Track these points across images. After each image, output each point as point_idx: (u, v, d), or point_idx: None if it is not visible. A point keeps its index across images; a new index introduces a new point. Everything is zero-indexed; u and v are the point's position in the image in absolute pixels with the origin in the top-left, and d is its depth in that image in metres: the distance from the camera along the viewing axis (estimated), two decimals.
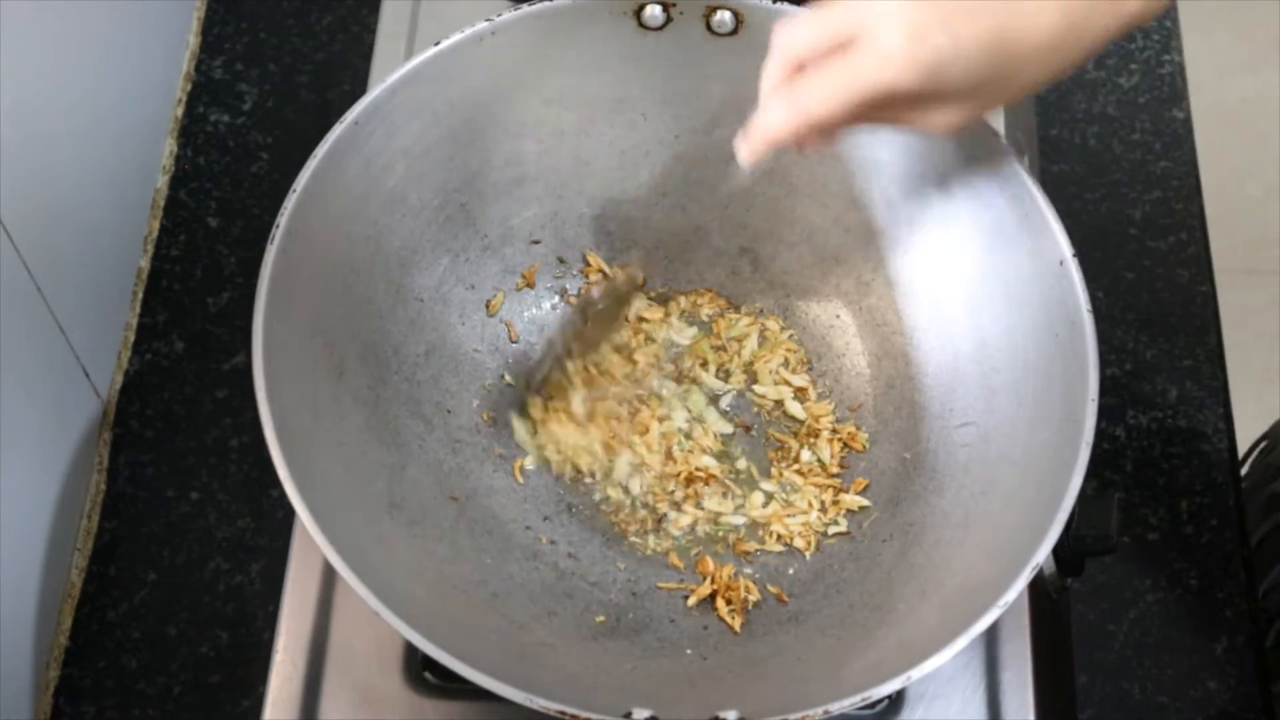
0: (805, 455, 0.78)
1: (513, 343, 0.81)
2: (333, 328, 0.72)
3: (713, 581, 0.74)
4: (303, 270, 0.69)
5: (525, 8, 0.73)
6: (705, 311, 0.82)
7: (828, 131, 0.62)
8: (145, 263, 0.92)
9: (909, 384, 0.78)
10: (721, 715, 0.60)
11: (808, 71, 0.61)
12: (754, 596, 0.73)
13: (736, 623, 0.72)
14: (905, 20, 0.58)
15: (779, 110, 0.62)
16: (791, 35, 0.62)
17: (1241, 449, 0.94)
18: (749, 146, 0.64)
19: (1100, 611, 0.83)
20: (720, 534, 0.76)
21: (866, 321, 0.80)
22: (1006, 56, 0.59)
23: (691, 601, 0.73)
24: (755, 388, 0.80)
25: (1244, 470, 1.02)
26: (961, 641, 0.61)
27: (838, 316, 0.81)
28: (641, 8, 0.74)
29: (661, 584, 0.74)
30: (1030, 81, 0.61)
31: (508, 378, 0.80)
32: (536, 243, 0.82)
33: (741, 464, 0.78)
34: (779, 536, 0.75)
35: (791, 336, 0.82)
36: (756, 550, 0.75)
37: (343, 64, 0.99)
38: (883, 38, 0.58)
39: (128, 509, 0.85)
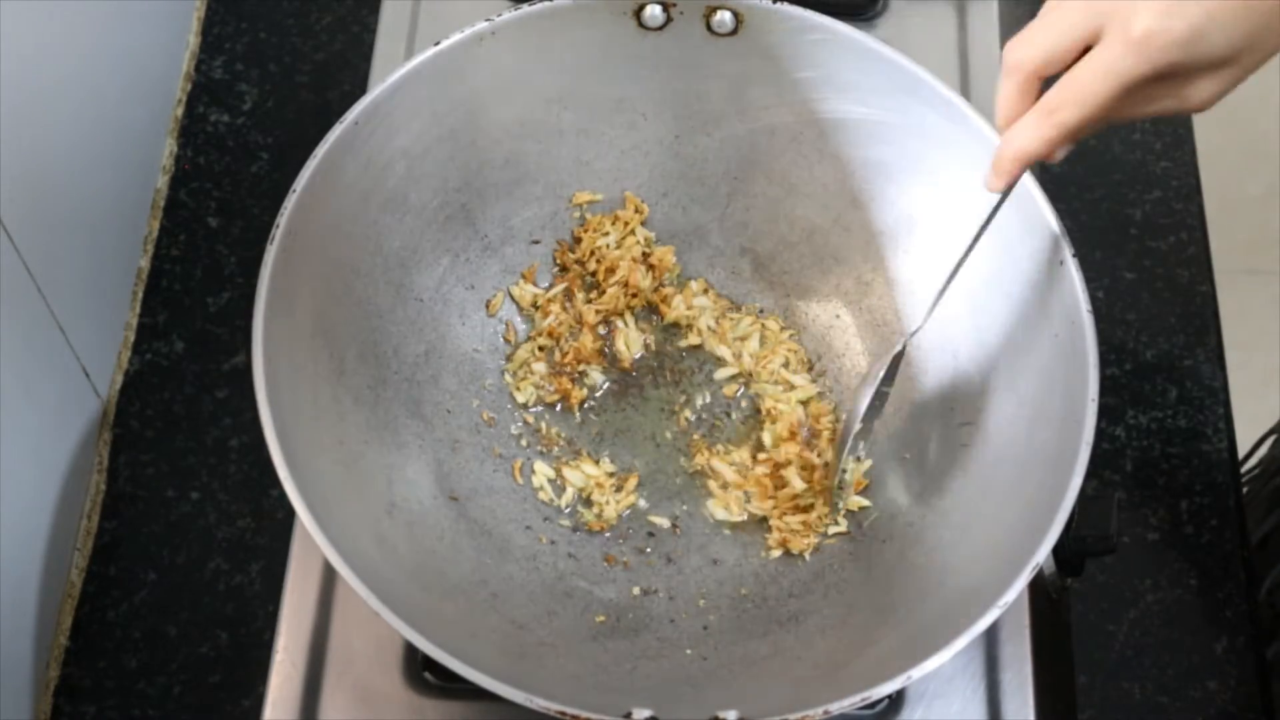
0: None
1: (508, 342, 0.81)
2: (333, 328, 0.72)
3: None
4: (303, 270, 0.69)
5: (525, 8, 0.73)
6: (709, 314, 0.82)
7: (1081, 135, 0.60)
8: (145, 263, 0.92)
9: (909, 384, 0.78)
10: (721, 715, 0.60)
11: (1056, 80, 0.59)
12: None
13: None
14: (1150, 3, 0.56)
15: (1030, 128, 0.60)
16: (1027, 47, 0.60)
17: (1242, 449, 0.94)
18: (999, 169, 0.62)
19: (1100, 611, 0.83)
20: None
21: (866, 321, 0.80)
22: (1260, 15, 0.56)
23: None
24: (754, 386, 0.80)
25: (1252, 462, 1.02)
26: (961, 641, 0.61)
27: (837, 316, 0.81)
28: (641, 8, 0.74)
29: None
30: (1277, 42, 0.58)
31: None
32: (536, 243, 0.82)
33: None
34: (780, 540, 0.75)
35: (792, 336, 0.81)
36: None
37: (343, 64, 0.99)
38: (1133, 22, 0.56)
39: (128, 509, 0.85)
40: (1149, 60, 0.57)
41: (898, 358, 0.73)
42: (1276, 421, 1.01)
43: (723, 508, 0.76)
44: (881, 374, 0.73)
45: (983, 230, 0.68)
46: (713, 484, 0.77)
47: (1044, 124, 0.60)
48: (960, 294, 0.76)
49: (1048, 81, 0.61)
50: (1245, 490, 1.01)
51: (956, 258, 0.75)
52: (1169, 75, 0.58)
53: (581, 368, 0.80)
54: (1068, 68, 0.59)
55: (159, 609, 0.82)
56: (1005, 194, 0.65)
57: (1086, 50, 0.59)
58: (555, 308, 0.81)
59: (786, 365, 0.80)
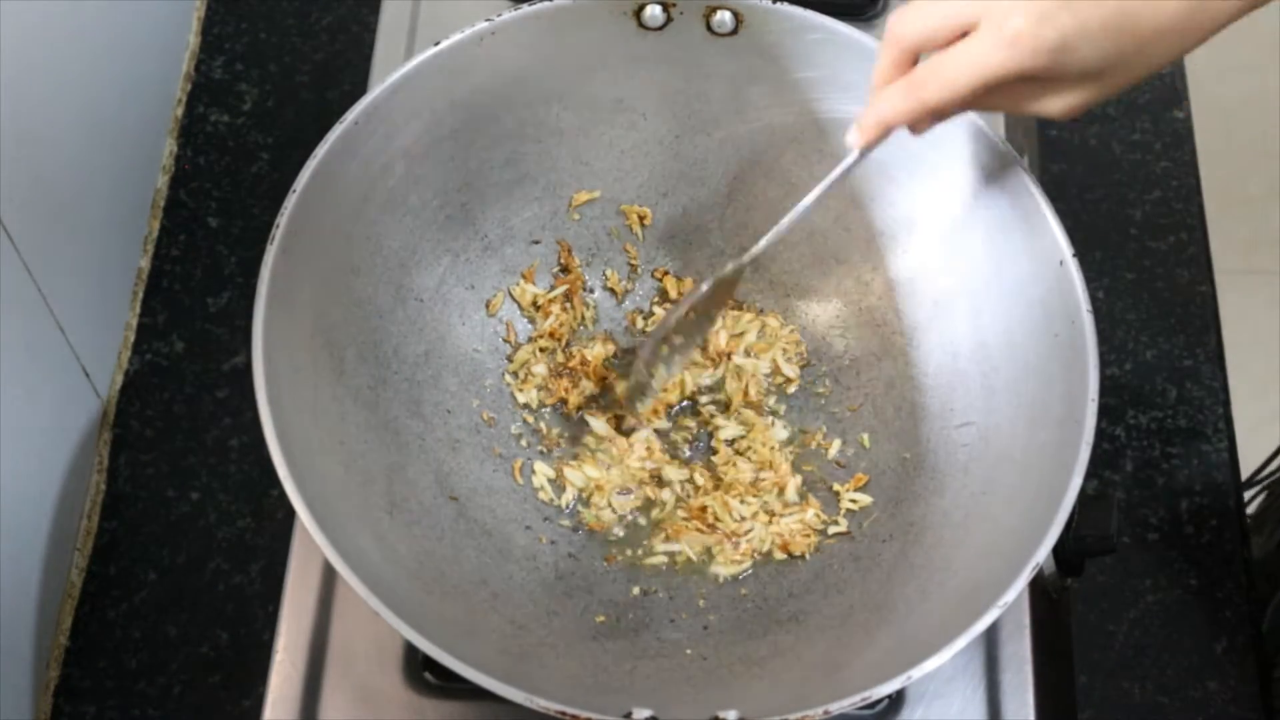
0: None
1: (508, 343, 0.81)
2: (333, 328, 0.72)
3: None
4: (303, 270, 0.69)
5: (525, 8, 0.73)
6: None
7: (942, 115, 0.62)
8: (145, 263, 0.92)
9: (909, 384, 0.78)
10: (721, 715, 0.60)
11: (927, 58, 0.61)
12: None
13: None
14: (1029, 3, 0.57)
15: (896, 96, 0.62)
16: (908, 23, 0.61)
17: (1242, 450, 0.94)
18: (862, 128, 0.64)
19: (1100, 611, 0.83)
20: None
21: (866, 321, 0.80)
22: (1130, 38, 0.58)
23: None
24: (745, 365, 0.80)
25: (1272, 466, 1.01)
26: (961, 641, 0.61)
27: (838, 316, 0.81)
28: (641, 8, 0.74)
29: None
30: (1153, 63, 0.59)
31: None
32: (536, 243, 0.82)
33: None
34: (780, 542, 0.75)
35: (792, 332, 0.81)
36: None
37: (343, 64, 0.99)
38: (1007, 21, 0.57)
39: (128, 509, 0.85)
40: (1016, 61, 0.58)
41: (726, 282, 0.73)
42: None
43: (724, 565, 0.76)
44: (705, 289, 0.73)
45: (831, 183, 0.68)
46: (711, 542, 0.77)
47: (909, 97, 0.61)
48: (960, 294, 0.76)
49: None
50: (1263, 498, 1.01)
51: (957, 258, 0.75)
52: (1034, 79, 0.59)
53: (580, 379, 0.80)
54: (942, 47, 0.61)
55: (159, 609, 0.82)
56: (862, 154, 0.66)
57: (963, 35, 0.60)
58: (556, 308, 0.81)
59: (785, 354, 0.80)
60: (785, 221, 0.70)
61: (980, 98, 0.60)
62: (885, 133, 0.64)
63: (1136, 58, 0.59)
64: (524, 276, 0.81)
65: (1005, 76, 0.59)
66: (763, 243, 0.71)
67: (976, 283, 0.75)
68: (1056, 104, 0.61)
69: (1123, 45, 0.58)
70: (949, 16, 0.60)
